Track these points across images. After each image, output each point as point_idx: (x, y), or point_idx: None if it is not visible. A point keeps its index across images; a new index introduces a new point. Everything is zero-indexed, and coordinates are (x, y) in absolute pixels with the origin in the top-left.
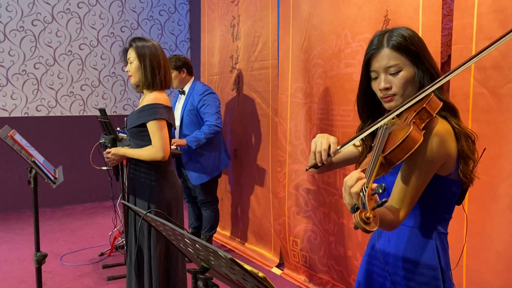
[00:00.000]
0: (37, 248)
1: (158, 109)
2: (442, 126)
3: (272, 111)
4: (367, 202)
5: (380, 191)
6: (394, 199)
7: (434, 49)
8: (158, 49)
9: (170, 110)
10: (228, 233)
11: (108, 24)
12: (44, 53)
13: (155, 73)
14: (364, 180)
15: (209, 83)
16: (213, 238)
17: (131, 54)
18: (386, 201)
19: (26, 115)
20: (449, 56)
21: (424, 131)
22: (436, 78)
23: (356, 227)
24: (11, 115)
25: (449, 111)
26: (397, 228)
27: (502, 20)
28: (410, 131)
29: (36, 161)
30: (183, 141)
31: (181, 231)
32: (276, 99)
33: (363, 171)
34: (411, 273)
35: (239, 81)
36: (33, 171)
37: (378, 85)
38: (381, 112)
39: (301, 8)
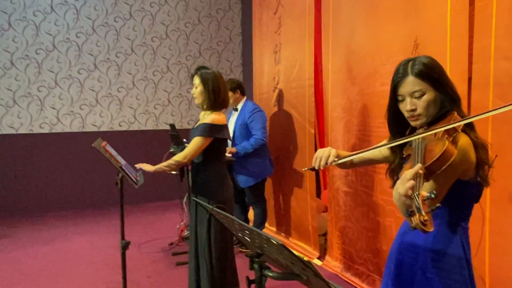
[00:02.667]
0: (122, 237)
1: (210, 129)
2: (464, 140)
3: (308, 123)
4: (421, 206)
5: (433, 196)
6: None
7: (462, 69)
8: (218, 76)
9: (225, 128)
10: (274, 229)
11: (176, 54)
12: (126, 79)
13: (216, 96)
14: (413, 184)
15: (260, 101)
16: None
17: (196, 80)
18: (439, 207)
19: (111, 129)
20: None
21: (453, 145)
22: (455, 99)
23: (414, 228)
24: (100, 130)
25: (468, 126)
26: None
27: None
28: (446, 146)
29: (123, 167)
30: (233, 149)
31: (242, 222)
32: (311, 113)
33: (412, 176)
34: (440, 263)
35: (279, 99)
36: (120, 175)
37: (405, 107)
38: (406, 127)
39: (341, 34)
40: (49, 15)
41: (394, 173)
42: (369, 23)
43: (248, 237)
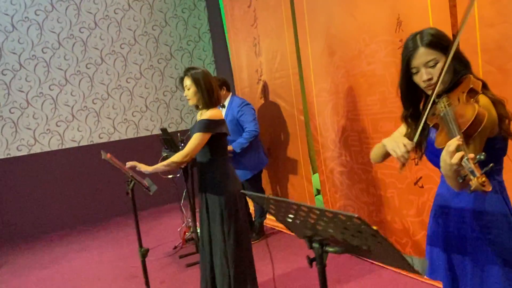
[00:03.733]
0: (140, 245)
1: (209, 124)
2: (485, 100)
3: (297, 111)
4: (475, 169)
5: (482, 157)
6: None
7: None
8: (208, 74)
9: (223, 122)
10: (274, 218)
11: (147, 58)
12: (100, 90)
13: (210, 94)
14: (462, 153)
15: (243, 95)
16: (264, 223)
17: (187, 82)
18: (493, 166)
19: (92, 142)
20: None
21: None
22: (466, 63)
23: (472, 191)
24: (80, 144)
25: (483, 87)
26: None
27: (499, 9)
28: (477, 108)
29: (135, 176)
30: (230, 147)
31: (298, 203)
32: (299, 100)
33: (458, 147)
34: (491, 222)
35: (265, 90)
36: (132, 184)
37: (420, 78)
38: (419, 101)
39: (318, 21)
40: (11, 33)
41: (419, 145)
42: (347, 6)
43: (302, 218)
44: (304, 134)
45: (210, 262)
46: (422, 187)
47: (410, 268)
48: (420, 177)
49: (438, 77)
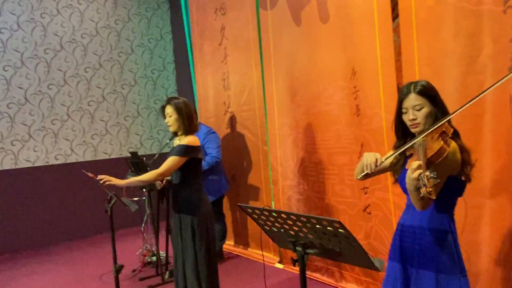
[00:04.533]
0: (115, 261)
1: (186, 149)
2: (454, 144)
3: (261, 142)
4: (427, 182)
5: (434, 175)
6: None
7: (392, 89)
8: (188, 103)
9: (199, 148)
10: (232, 243)
11: (110, 83)
12: (60, 111)
13: (190, 121)
14: (421, 171)
15: (208, 124)
16: (223, 248)
17: (169, 109)
18: (439, 182)
19: (47, 163)
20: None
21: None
22: (446, 112)
23: (423, 197)
24: (34, 165)
25: (455, 134)
26: (425, 210)
27: (434, 70)
28: (442, 144)
29: (117, 195)
30: None
31: (289, 212)
32: (263, 132)
33: (419, 166)
34: (433, 237)
35: (231, 121)
36: (112, 202)
37: (407, 117)
38: (408, 134)
39: (283, 63)
40: None
41: (396, 172)
42: (309, 53)
43: (287, 225)
44: (266, 164)
45: (183, 279)
46: (370, 213)
47: (373, 266)
48: (369, 205)
49: (423, 125)
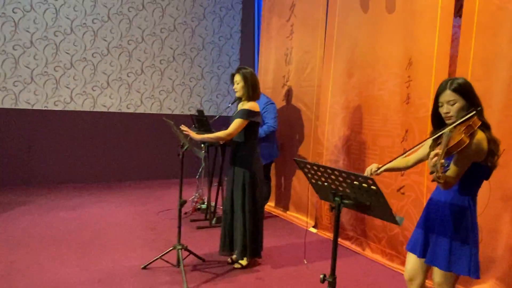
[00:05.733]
0: (180, 196)
1: (248, 113)
2: (481, 135)
3: (314, 117)
4: (439, 169)
5: (446, 165)
6: (450, 172)
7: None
8: (254, 74)
9: (259, 114)
10: (273, 204)
11: (181, 45)
12: (135, 65)
13: (254, 90)
14: (437, 158)
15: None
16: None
17: (238, 77)
18: (448, 169)
19: (120, 111)
20: None
21: (469, 137)
22: (477, 106)
23: (433, 180)
24: (109, 110)
25: (485, 127)
26: (449, 189)
27: (485, 69)
28: (462, 137)
29: (190, 141)
30: None
31: (334, 168)
32: (318, 108)
33: (436, 154)
34: (453, 211)
35: (288, 94)
36: (185, 148)
37: (442, 110)
38: (443, 124)
39: (343, 45)
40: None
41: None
42: (371, 40)
43: (330, 179)
44: (317, 138)
45: (230, 224)
46: (403, 193)
47: (394, 220)
48: (403, 186)
49: (456, 118)
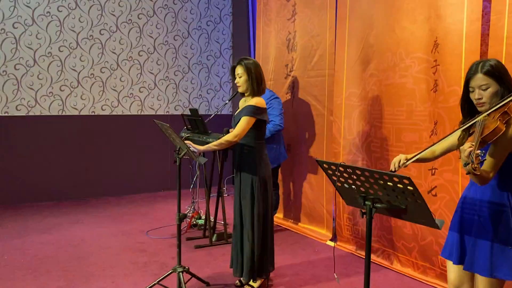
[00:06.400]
0: (179, 210)
1: (255, 110)
2: None
3: (327, 111)
4: (474, 160)
5: (482, 154)
6: (486, 166)
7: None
8: (258, 65)
9: (265, 110)
10: (281, 216)
11: (163, 33)
12: (109, 59)
13: (259, 83)
14: (472, 149)
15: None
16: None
17: (240, 70)
18: (485, 159)
19: (93, 113)
20: None
21: (505, 125)
22: None
23: (468, 173)
24: (81, 114)
25: None
26: (485, 185)
27: None
28: (497, 124)
29: (189, 146)
30: None
31: (364, 168)
32: (331, 101)
33: (472, 145)
34: (492, 210)
35: (293, 86)
36: (182, 153)
37: (474, 96)
38: (474, 112)
39: (358, 27)
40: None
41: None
42: (389, 19)
43: (360, 181)
44: (331, 135)
45: (240, 239)
46: (435, 195)
47: (434, 224)
48: (435, 186)
49: (489, 104)
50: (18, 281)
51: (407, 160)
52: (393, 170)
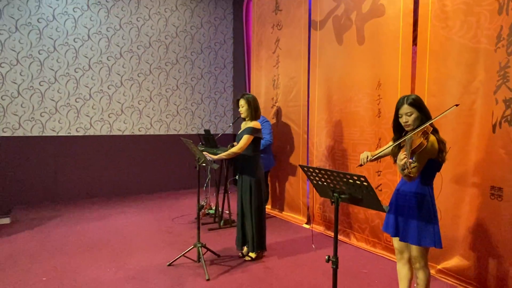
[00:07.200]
0: (198, 201)
1: (253, 130)
2: (433, 138)
3: (302, 131)
4: (409, 166)
5: (414, 163)
6: (414, 168)
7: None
8: (255, 99)
9: (260, 131)
10: (270, 206)
11: (183, 76)
12: (144, 94)
13: (256, 112)
14: (406, 159)
15: None
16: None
17: (242, 102)
18: (419, 165)
19: (132, 133)
20: None
21: (426, 140)
22: (429, 117)
23: (405, 175)
24: (124, 133)
25: (436, 131)
26: (413, 181)
27: (439, 87)
28: (421, 140)
29: (206, 156)
30: None
31: (332, 170)
32: (305, 124)
33: (405, 155)
34: (418, 199)
35: (278, 113)
36: (201, 161)
37: (402, 120)
38: (402, 131)
39: (324, 72)
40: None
41: (395, 156)
42: (346, 67)
43: (329, 179)
44: (305, 148)
45: (242, 223)
46: (381, 190)
47: (382, 208)
48: (381, 184)
49: (413, 125)
50: (80, 255)
51: (373, 156)
52: (362, 164)
